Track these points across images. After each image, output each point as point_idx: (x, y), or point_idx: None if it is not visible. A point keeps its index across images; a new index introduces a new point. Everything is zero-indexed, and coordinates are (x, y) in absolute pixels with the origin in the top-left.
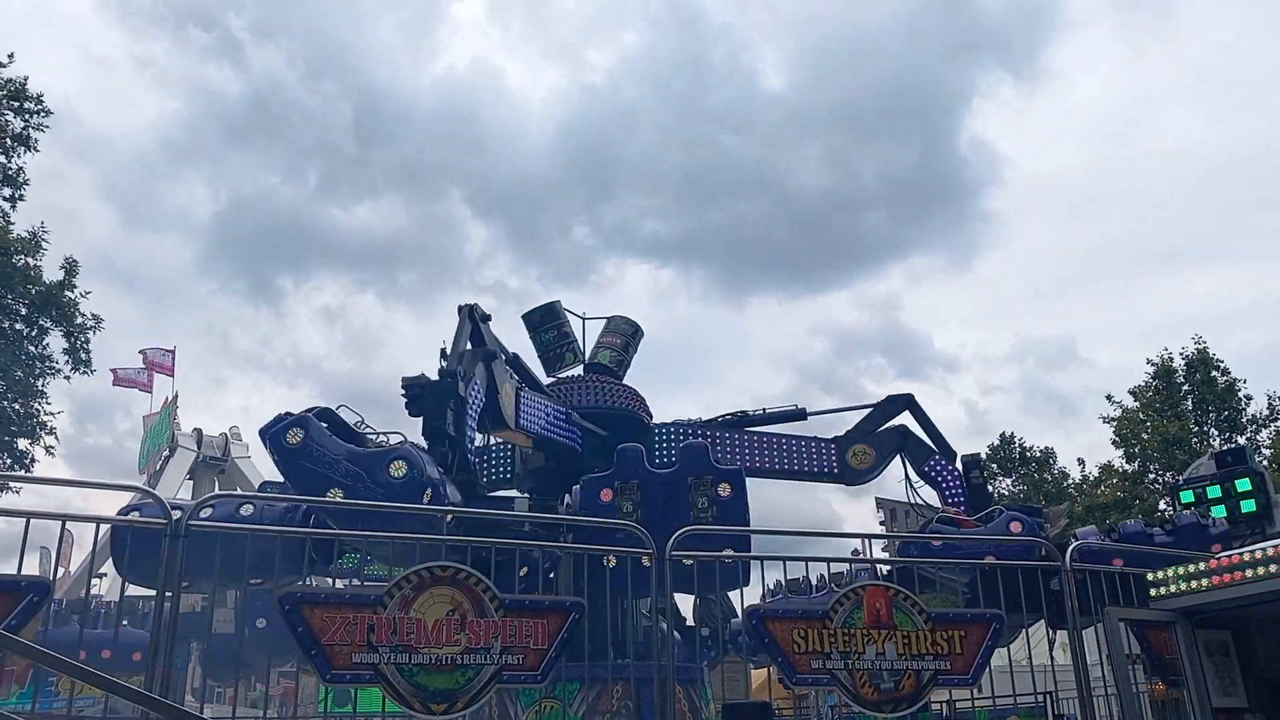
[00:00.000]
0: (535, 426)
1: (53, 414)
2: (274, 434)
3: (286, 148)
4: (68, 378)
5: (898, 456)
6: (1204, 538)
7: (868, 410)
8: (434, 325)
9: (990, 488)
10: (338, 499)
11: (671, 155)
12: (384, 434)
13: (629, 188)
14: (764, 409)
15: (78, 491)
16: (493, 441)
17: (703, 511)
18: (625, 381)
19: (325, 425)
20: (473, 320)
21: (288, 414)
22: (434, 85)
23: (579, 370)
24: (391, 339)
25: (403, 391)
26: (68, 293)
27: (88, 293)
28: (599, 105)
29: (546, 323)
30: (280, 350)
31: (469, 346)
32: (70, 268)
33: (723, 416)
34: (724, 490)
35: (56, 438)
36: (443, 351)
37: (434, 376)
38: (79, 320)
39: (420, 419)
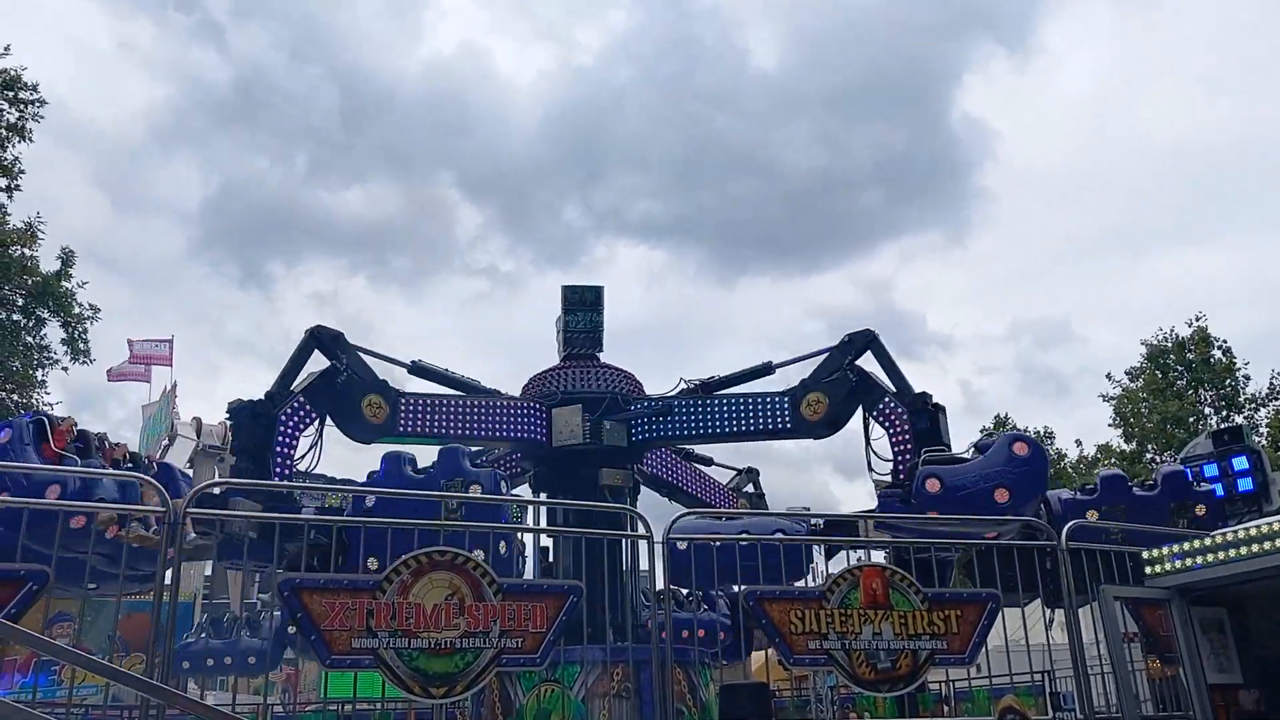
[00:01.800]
0: (420, 430)
1: (51, 404)
2: None
3: (274, 132)
4: (65, 368)
5: (859, 406)
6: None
7: (827, 354)
8: (427, 310)
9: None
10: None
11: (663, 136)
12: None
13: (620, 169)
14: (731, 373)
15: None
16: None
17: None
18: (611, 357)
19: None
20: (317, 341)
21: None
22: (420, 67)
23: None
24: (385, 325)
25: (226, 415)
26: (64, 283)
27: (84, 283)
28: (588, 86)
29: (598, 305)
30: (272, 336)
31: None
32: (66, 258)
33: (689, 383)
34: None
35: None
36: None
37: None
38: (76, 310)
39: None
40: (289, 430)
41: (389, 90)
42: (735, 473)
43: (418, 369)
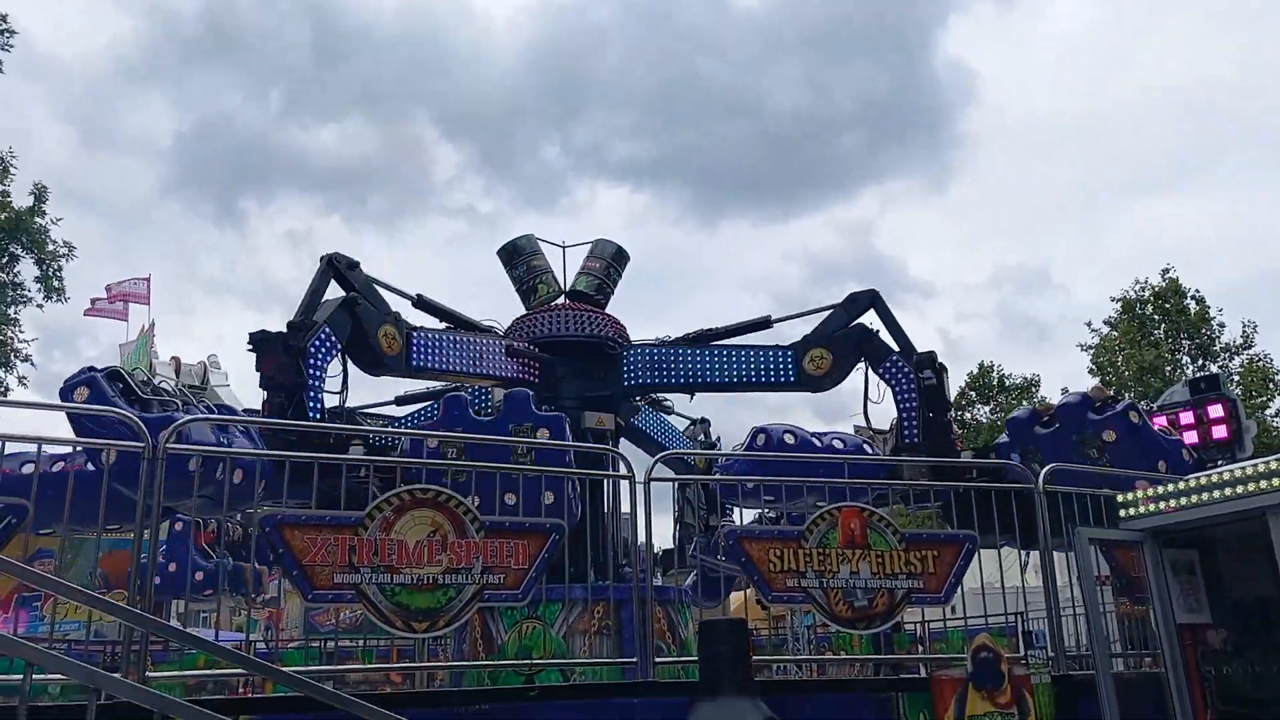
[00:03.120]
0: (431, 364)
1: (26, 342)
2: (63, 390)
3: (246, 67)
4: (40, 306)
5: (861, 362)
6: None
7: (830, 311)
8: (404, 250)
9: (969, 415)
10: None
11: (644, 75)
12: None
13: (601, 109)
14: (729, 325)
15: (47, 420)
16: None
17: (1097, 459)
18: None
19: (119, 385)
20: (334, 269)
21: (90, 369)
22: (395, 1)
23: (561, 300)
24: (362, 265)
25: (249, 345)
26: (38, 219)
27: (58, 219)
28: (567, 23)
29: (515, 259)
30: (247, 276)
31: (331, 296)
32: (40, 194)
33: (688, 335)
34: (1109, 437)
35: (33, 364)
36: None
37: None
38: (50, 248)
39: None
40: (318, 363)
41: (363, 26)
42: (689, 422)
43: (422, 303)
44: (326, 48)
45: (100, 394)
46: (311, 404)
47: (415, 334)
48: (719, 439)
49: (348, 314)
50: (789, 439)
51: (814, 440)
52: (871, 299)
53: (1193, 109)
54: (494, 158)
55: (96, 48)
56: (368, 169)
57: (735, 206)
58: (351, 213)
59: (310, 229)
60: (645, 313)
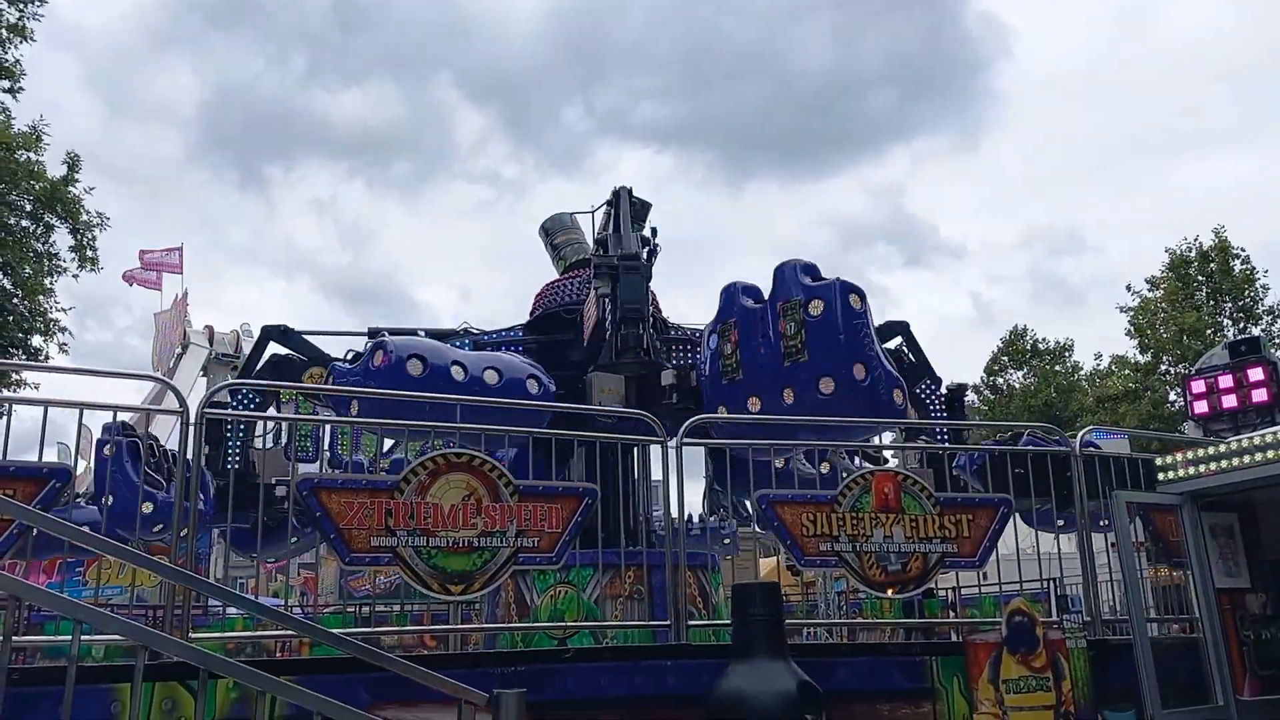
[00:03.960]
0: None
1: (63, 311)
2: (98, 443)
3: (268, 33)
4: (75, 275)
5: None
6: None
7: None
8: (428, 217)
9: (1002, 380)
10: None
11: (667, 36)
12: None
13: (624, 70)
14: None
15: (87, 388)
16: None
17: (791, 339)
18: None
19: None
20: (268, 337)
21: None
22: None
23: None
24: (384, 232)
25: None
26: (71, 189)
27: (91, 189)
28: None
29: (545, 246)
30: (274, 243)
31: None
32: (73, 163)
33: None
34: (816, 309)
35: (70, 334)
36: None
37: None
38: (84, 218)
39: None
40: (237, 421)
41: None
42: None
43: (373, 334)
44: (347, 11)
45: (120, 456)
46: (228, 457)
47: (333, 366)
48: None
49: (272, 373)
50: (414, 367)
51: (453, 370)
52: (903, 329)
53: (1233, 63)
54: (517, 121)
55: (120, 14)
56: (391, 134)
57: (762, 167)
58: (375, 178)
59: (335, 195)
60: (669, 279)
